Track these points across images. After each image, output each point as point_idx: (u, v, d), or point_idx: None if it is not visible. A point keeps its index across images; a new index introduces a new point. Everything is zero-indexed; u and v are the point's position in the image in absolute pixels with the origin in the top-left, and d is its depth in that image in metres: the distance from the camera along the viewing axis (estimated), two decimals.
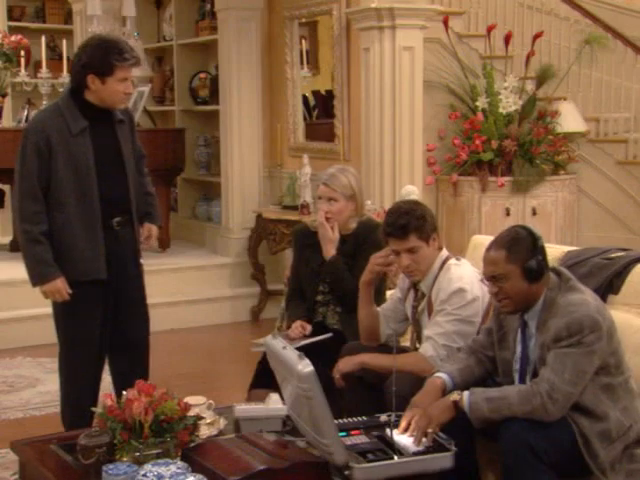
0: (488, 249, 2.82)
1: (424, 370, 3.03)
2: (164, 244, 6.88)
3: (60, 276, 3.46)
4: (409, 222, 3.11)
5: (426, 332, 3.19)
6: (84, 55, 3.46)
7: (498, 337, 2.92)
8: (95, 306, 3.57)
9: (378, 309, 3.45)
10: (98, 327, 3.58)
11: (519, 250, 2.75)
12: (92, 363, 3.62)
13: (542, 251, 2.79)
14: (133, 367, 3.64)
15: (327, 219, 3.72)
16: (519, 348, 2.85)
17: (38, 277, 3.48)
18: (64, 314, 3.58)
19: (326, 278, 3.74)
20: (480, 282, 3.13)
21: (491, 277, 2.79)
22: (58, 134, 3.43)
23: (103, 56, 3.41)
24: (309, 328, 3.70)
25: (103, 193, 3.50)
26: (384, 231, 3.20)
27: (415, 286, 3.30)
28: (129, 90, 3.52)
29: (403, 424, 2.71)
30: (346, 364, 3.22)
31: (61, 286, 3.47)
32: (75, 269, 3.51)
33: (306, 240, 3.86)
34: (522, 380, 2.83)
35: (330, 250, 3.70)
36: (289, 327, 3.81)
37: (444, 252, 3.26)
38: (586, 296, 2.76)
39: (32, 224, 3.44)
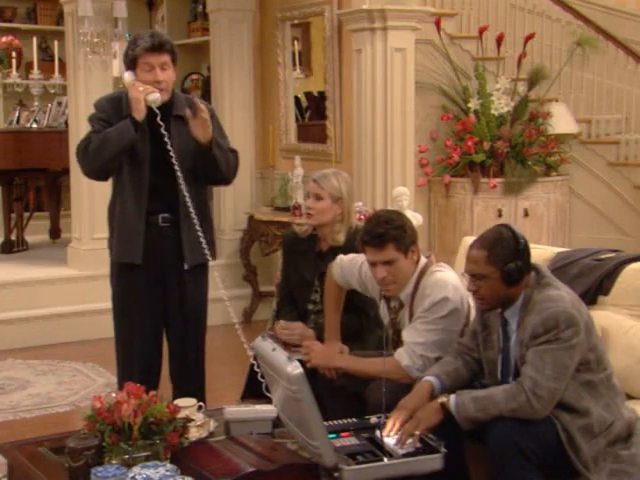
0: (471, 246, 2.83)
1: (399, 378, 3.00)
2: None
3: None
4: (387, 231, 3.02)
5: (404, 336, 3.13)
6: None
7: (483, 337, 2.92)
8: (138, 290, 3.54)
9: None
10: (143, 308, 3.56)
11: (500, 252, 2.75)
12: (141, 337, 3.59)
13: (523, 255, 2.77)
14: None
15: (308, 215, 3.70)
16: (501, 346, 2.85)
17: (127, 125, 3.38)
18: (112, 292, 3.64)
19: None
20: (460, 282, 3.07)
21: (471, 275, 2.80)
22: (117, 118, 3.41)
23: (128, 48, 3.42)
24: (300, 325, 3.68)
25: (153, 187, 3.47)
26: (361, 239, 3.08)
27: (386, 297, 3.24)
28: (158, 78, 3.39)
29: (388, 425, 2.71)
30: (324, 368, 3.21)
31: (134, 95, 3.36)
32: (116, 249, 3.55)
33: (294, 247, 3.84)
34: (504, 379, 2.82)
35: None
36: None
37: (422, 260, 3.17)
38: (561, 292, 2.75)
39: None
